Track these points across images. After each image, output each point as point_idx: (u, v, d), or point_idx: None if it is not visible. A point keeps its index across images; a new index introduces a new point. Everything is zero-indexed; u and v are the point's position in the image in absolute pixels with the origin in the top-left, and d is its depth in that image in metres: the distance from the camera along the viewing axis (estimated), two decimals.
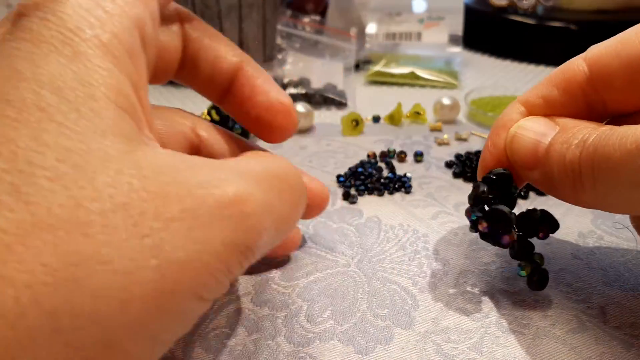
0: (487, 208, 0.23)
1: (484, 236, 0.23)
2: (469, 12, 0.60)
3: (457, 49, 0.58)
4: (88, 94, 0.15)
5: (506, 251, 0.27)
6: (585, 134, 0.20)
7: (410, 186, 0.34)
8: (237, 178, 0.16)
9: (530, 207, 0.25)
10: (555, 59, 0.56)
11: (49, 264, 0.12)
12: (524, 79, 0.54)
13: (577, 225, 0.29)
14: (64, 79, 0.14)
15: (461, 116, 0.45)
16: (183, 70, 0.22)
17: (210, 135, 0.24)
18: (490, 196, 0.23)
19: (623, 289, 0.25)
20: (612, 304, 0.24)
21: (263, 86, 0.23)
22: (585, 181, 0.20)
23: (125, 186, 0.14)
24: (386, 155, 0.38)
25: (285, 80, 0.49)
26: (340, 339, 0.22)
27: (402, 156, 0.38)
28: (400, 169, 0.37)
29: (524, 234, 0.23)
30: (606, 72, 0.21)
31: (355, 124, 0.42)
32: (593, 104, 0.22)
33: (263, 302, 0.24)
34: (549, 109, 0.23)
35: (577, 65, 0.22)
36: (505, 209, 0.22)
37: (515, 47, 0.58)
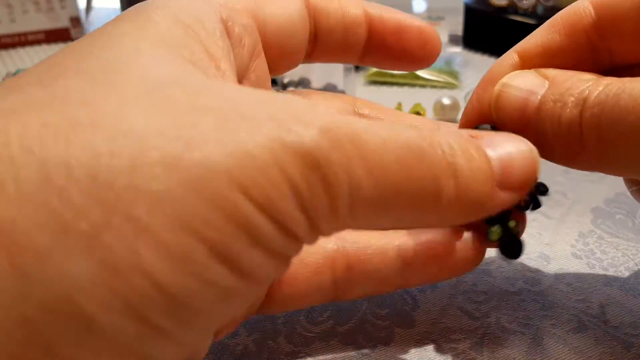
0: None
1: None
2: (469, 12, 0.60)
3: (457, 49, 0.58)
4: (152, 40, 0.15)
5: None
6: (582, 90, 0.18)
7: None
8: (308, 110, 0.14)
9: None
10: None
11: (49, 120, 0.12)
12: None
13: (577, 225, 0.29)
14: (127, 29, 0.15)
15: (461, 116, 0.45)
16: (315, 48, 0.22)
17: (373, 112, 0.24)
18: None
19: (623, 289, 0.25)
20: (612, 304, 0.24)
21: (401, 21, 0.23)
22: (587, 144, 0.18)
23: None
24: None
25: (285, 80, 0.50)
26: (340, 339, 0.22)
27: None
28: None
29: None
30: (615, 14, 0.19)
31: None
32: (599, 52, 0.20)
33: None
34: (548, 59, 0.20)
35: (583, 7, 0.20)
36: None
37: None
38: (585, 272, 0.26)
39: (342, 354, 0.21)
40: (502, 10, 0.58)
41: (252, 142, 0.12)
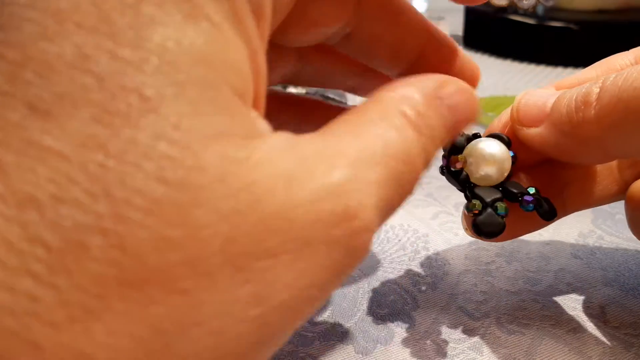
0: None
1: (444, 173, 0.21)
2: (469, 11, 0.60)
3: None
4: (205, 79, 0.11)
5: (506, 251, 0.27)
6: (601, 80, 0.18)
7: None
8: (351, 180, 0.13)
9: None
10: (555, 59, 0.56)
11: (135, 332, 0.10)
12: (524, 79, 0.54)
13: (577, 225, 0.29)
14: (179, 53, 0.11)
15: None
16: (351, 45, 0.20)
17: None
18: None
19: (623, 289, 0.25)
20: (612, 304, 0.24)
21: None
22: (602, 115, 0.17)
23: (236, 218, 0.11)
24: None
25: None
26: (340, 339, 0.22)
27: None
28: None
29: None
30: None
31: None
32: None
33: None
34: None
35: (625, 54, 0.21)
36: (462, 139, 0.20)
37: (515, 47, 0.58)
38: (585, 272, 0.26)
39: (342, 354, 0.21)
40: (502, 10, 0.58)
41: (311, 285, 0.12)
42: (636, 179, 0.22)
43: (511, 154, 0.20)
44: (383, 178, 0.14)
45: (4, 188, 0.09)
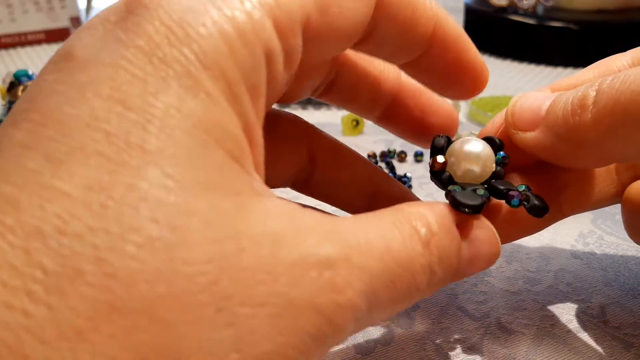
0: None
1: (432, 175, 0.20)
2: (469, 12, 0.60)
3: None
4: (201, 141, 0.12)
5: (506, 251, 0.27)
6: (598, 82, 0.18)
7: (410, 186, 0.34)
8: (343, 259, 0.13)
9: None
10: (555, 59, 0.56)
11: (120, 357, 0.10)
12: (524, 79, 0.54)
13: (577, 225, 0.29)
14: (179, 119, 0.12)
15: (461, 116, 0.45)
16: (331, 93, 0.22)
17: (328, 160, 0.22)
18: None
19: (623, 289, 0.25)
20: (612, 304, 0.24)
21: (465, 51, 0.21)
22: (599, 119, 0.17)
23: (220, 261, 0.12)
24: (386, 155, 0.38)
25: None
26: None
27: (402, 156, 0.38)
28: (401, 169, 0.37)
29: None
30: None
31: (355, 124, 0.42)
32: None
33: None
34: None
35: (622, 57, 0.21)
36: (440, 139, 0.20)
37: (515, 47, 0.58)
38: (585, 272, 0.26)
39: (342, 354, 0.21)
40: (502, 10, 0.58)
41: (292, 346, 0.12)
42: (633, 181, 0.22)
43: (501, 154, 0.20)
44: (376, 272, 0.14)
45: (15, 222, 0.11)
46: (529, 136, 0.19)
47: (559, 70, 0.55)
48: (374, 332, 0.22)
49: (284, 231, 0.13)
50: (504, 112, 0.21)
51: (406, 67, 0.21)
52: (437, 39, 0.20)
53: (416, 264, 0.15)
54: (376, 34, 0.18)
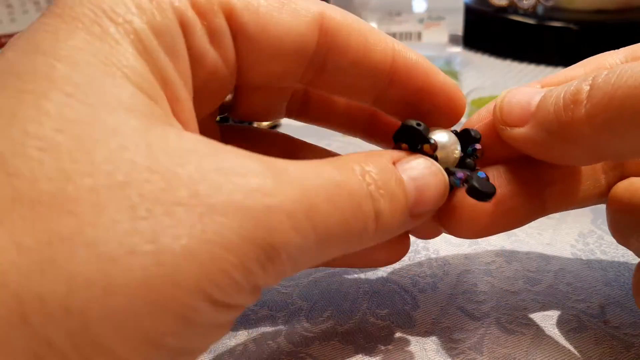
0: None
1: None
2: (469, 12, 0.60)
3: (457, 49, 0.58)
4: (106, 71, 0.14)
5: (506, 251, 0.27)
6: (588, 77, 0.17)
7: None
8: (269, 172, 0.14)
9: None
10: (555, 59, 0.56)
11: (23, 242, 0.11)
12: (524, 79, 0.54)
13: (577, 225, 0.29)
14: (84, 54, 0.13)
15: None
16: (318, 80, 0.20)
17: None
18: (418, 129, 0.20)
19: (623, 288, 0.25)
20: (612, 304, 0.24)
21: (431, 82, 0.20)
22: (594, 114, 0.17)
23: (127, 164, 0.12)
24: None
25: None
26: (340, 339, 0.22)
27: None
28: None
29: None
30: None
31: None
32: None
33: (263, 303, 0.24)
34: None
35: (614, 54, 0.20)
36: (412, 122, 0.20)
37: (515, 47, 0.58)
38: (585, 272, 0.26)
39: (342, 354, 0.21)
40: (502, 10, 0.58)
41: (222, 246, 0.13)
42: (619, 180, 0.21)
43: (474, 147, 0.20)
44: (311, 185, 0.15)
45: None
46: (518, 132, 0.19)
47: (559, 70, 0.55)
48: (374, 332, 0.22)
49: (200, 148, 0.14)
50: (491, 104, 0.21)
51: (378, 102, 0.21)
52: (398, 66, 0.20)
53: (354, 184, 0.16)
54: (331, 64, 0.19)
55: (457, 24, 0.61)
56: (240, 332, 0.22)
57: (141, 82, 0.14)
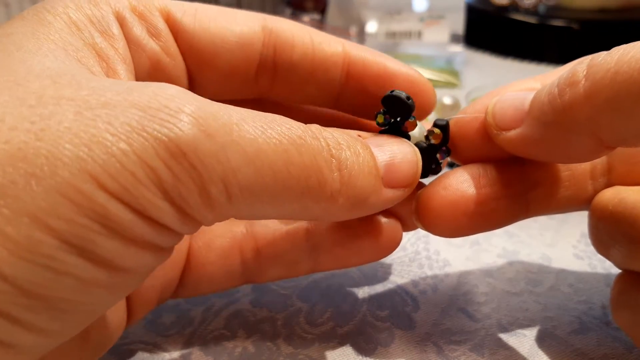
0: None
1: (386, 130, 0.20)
2: (470, 10, 0.60)
3: (458, 48, 0.58)
4: (38, 39, 0.16)
5: (507, 252, 0.27)
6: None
7: None
8: (194, 97, 0.14)
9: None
10: (557, 58, 0.56)
11: None
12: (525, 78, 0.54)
13: (579, 225, 0.29)
14: (17, 27, 0.16)
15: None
16: (273, 83, 0.21)
17: None
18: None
19: None
20: None
21: (387, 68, 0.21)
22: (594, 91, 0.16)
23: (36, 78, 0.14)
24: None
25: None
26: (340, 341, 0.22)
27: None
28: None
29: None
30: None
31: None
32: None
33: (262, 304, 0.24)
34: None
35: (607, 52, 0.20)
36: (402, 94, 0.19)
37: (516, 46, 0.57)
38: (587, 273, 0.26)
39: (342, 356, 0.21)
40: (503, 9, 0.57)
41: (108, 131, 0.13)
42: (606, 187, 0.20)
43: (433, 131, 0.20)
44: (237, 114, 0.15)
45: None
46: (513, 134, 0.18)
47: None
48: (375, 333, 0.22)
49: (114, 82, 0.14)
50: (479, 101, 0.20)
51: (339, 104, 0.22)
52: (352, 58, 0.21)
53: (306, 138, 0.16)
54: (280, 61, 0.20)
55: (458, 23, 0.61)
56: (239, 333, 0.22)
57: (74, 52, 0.16)
